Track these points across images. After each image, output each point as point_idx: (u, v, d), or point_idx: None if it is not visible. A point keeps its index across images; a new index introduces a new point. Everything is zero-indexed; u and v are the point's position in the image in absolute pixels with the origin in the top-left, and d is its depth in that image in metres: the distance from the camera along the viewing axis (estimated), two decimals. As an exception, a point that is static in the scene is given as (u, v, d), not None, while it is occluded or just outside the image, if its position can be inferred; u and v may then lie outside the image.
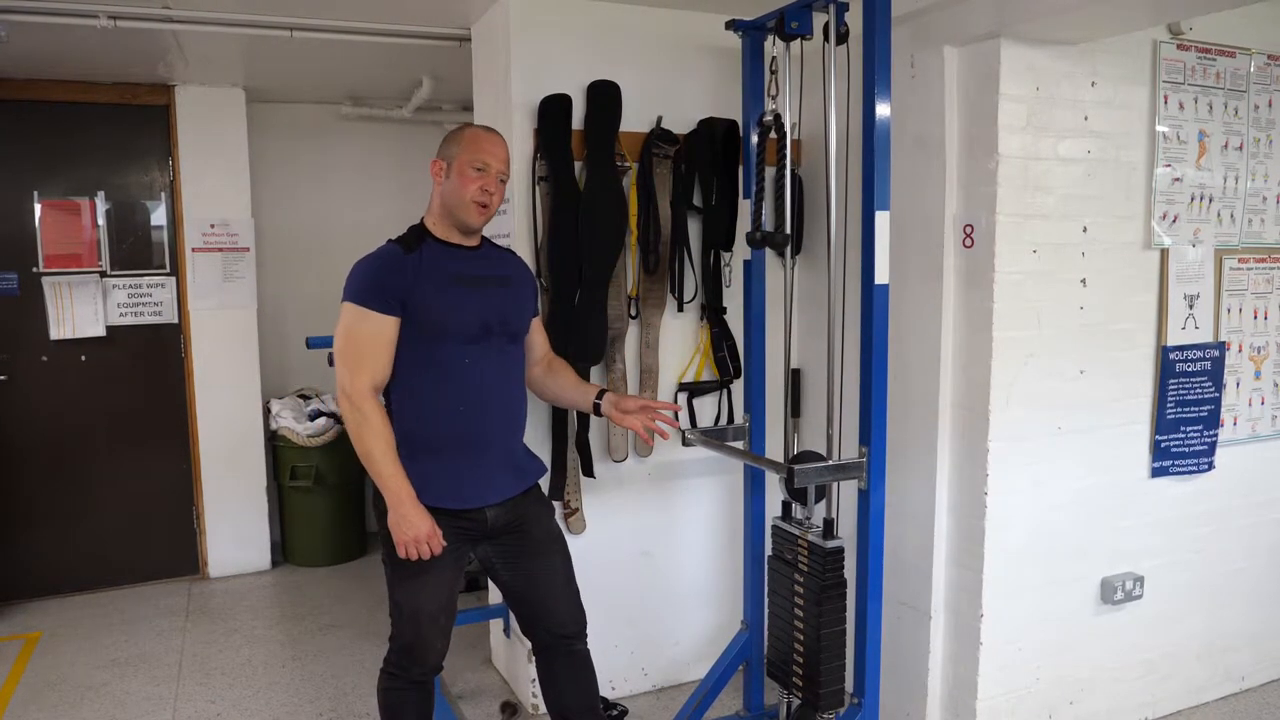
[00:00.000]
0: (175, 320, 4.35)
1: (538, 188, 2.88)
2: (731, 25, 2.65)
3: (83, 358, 4.23)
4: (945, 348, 2.66)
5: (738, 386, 3.15)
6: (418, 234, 2.27)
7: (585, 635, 2.44)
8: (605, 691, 3.01)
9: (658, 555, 3.20)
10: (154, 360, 4.35)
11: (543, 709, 3.05)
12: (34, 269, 4.13)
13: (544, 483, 2.58)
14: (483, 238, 2.36)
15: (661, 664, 3.26)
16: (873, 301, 2.25)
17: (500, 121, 2.98)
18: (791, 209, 2.49)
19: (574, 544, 2.58)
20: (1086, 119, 2.62)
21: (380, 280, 2.16)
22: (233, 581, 4.43)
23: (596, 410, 2.49)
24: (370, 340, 2.16)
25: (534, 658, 2.47)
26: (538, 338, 2.53)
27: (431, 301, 2.18)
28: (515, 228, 2.93)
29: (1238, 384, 3.01)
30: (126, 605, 4.13)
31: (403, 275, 2.17)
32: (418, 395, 2.21)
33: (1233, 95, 2.87)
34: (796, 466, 2.32)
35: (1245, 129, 2.91)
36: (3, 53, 3.48)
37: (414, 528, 2.13)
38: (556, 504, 2.92)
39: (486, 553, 2.34)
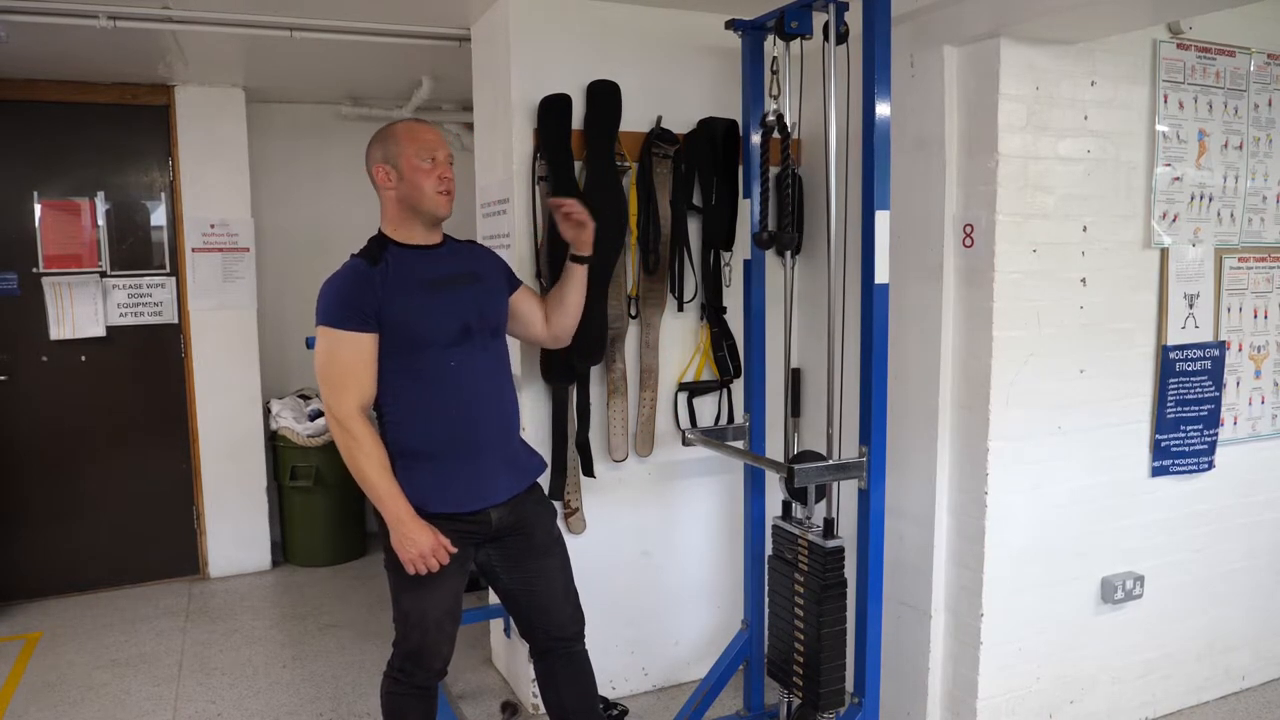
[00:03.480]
0: (175, 320, 4.35)
1: (538, 187, 2.88)
2: (731, 25, 2.65)
3: (83, 358, 4.23)
4: (945, 347, 2.66)
5: (738, 386, 3.15)
6: (379, 244, 2.23)
7: (583, 636, 2.44)
8: (605, 691, 3.01)
9: (658, 555, 3.20)
10: (154, 360, 4.35)
11: (543, 709, 3.06)
12: (34, 269, 4.13)
13: (545, 482, 2.58)
14: (444, 234, 2.34)
15: (661, 664, 3.26)
16: (873, 301, 2.25)
17: (500, 121, 2.99)
18: (792, 209, 2.49)
19: (574, 544, 2.58)
20: (1086, 118, 2.62)
21: (351, 298, 2.14)
22: (233, 581, 4.43)
23: (578, 259, 2.45)
24: (351, 361, 2.13)
25: (533, 660, 2.47)
26: (532, 303, 2.49)
27: (406, 310, 2.16)
28: (515, 228, 2.93)
29: (1238, 383, 3.01)
30: (126, 605, 4.14)
31: (372, 289, 2.14)
32: (409, 404, 2.19)
33: (1232, 94, 2.87)
34: (796, 466, 2.32)
35: (1245, 128, 2.91)
36: (3, 53, 3.49)
37: (416, 544, 2.12)
38: (556, 504, 2.92)
39: (487, 556, 2.33)
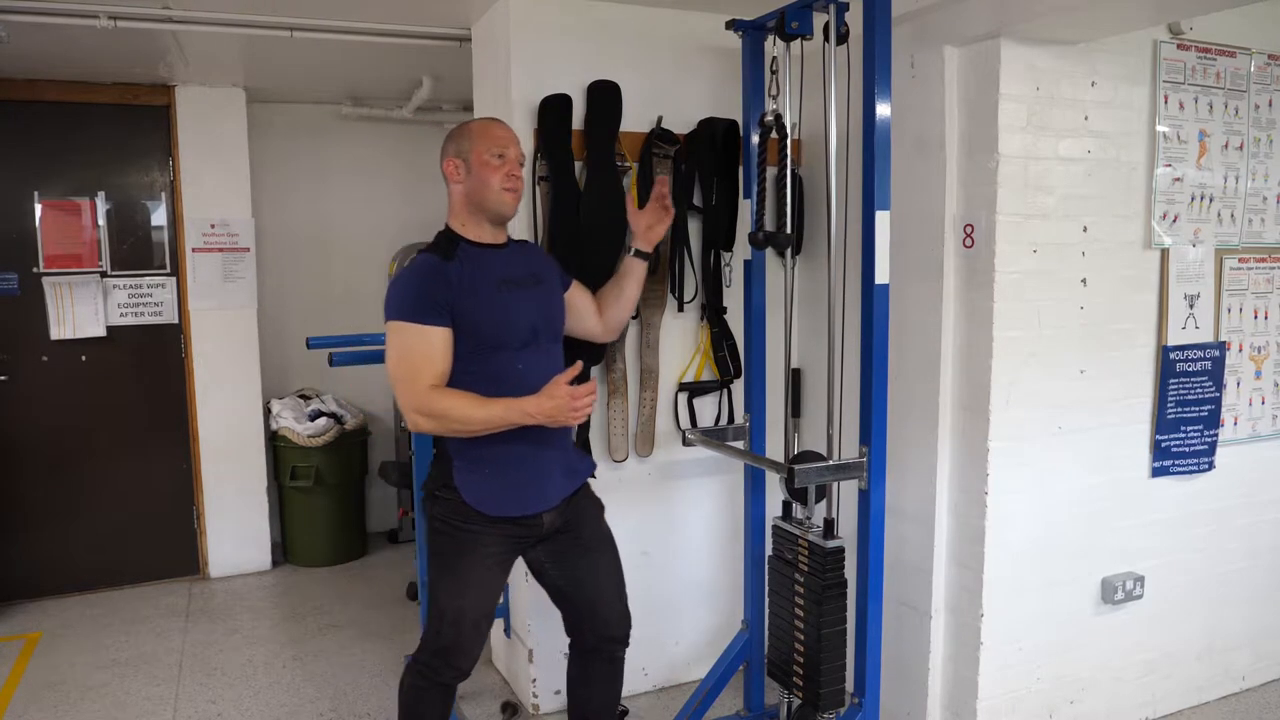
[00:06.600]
0: (175, 320, 4.35)
1: (538, 188, 2.88)
2: (731, 25, 2.65)
3: (83, 358, 4.23)
4: (945, 347, 2.66)
5: (738, 386, 3.15)
6: (450, 240, 2.20)
7: (628, 641, 2.42)
8: (605, 691, 3.01)
9: (658, 555, 3.20)
10: (154, 360, 4.35)
11: (543, 709, 3.07)
12: (34, 269, 4.13)
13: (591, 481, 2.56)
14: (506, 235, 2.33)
15: (661, 664, 3.26)
16: (873, 301, 2.25)
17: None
18: (792, 209, 2.49)
19: (574, 544, 2.58)
20: (1086, 119, 2.62)
21: (425, 292, 2.10)
22: (233, 581, 4.43)
23: (642, 255, 2.51)
24: (424, 353, 2.09)
25: (570, 655, 2.45)
26: (585, 298, 2.49)
27: (481, 310, 2.12)
28: (515, 228, 2.93)
29: (1238, 384, 3.01)
30: (126, 605, 4.13)
31: (447, 285, 2.10)
32: None
33: (1233, 95, 2.87)
34: (797, 466, 2.32)
35: (1245, 129, 2.91)
36: (3, 53, 3.48)
37: (552, 409, 2.05)
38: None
39: (536, 554, 2.32)
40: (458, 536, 2.19)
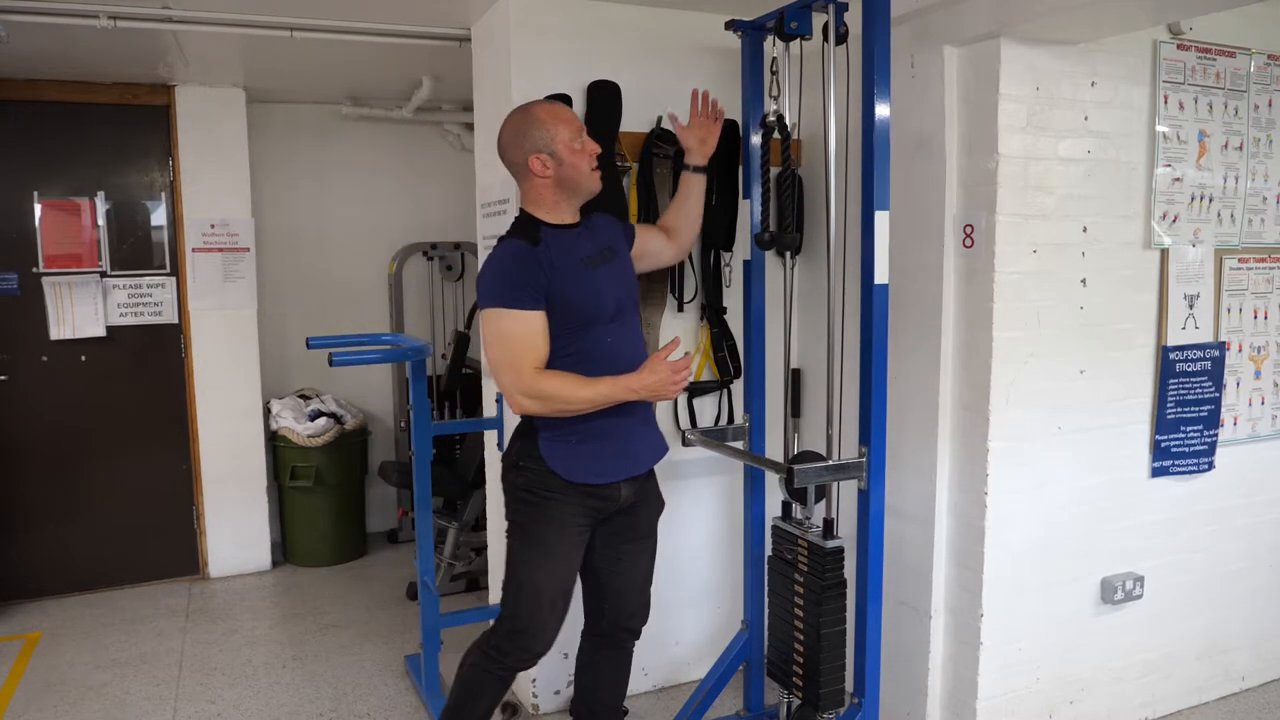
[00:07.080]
0: (175, 320, 4.35)
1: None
2: (731, 25, 2.65)
3: (83, 358, 4.23)
4: (945, 348, 2.66)
5: (738, 386, 3.15)
6: (532, 224, 2.24)
7: (640, 635, 2.48)
8: (605, 691, 3.01)
9: (658, 555, 3.19)
10: (154, 360, 4.35)
11: (543, 709, 3.07)
12: (34, 269, 4.13)
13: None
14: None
15: (661, 664, 3.26)
16: (873, 301, 2.25)
17: (500, 122, 2.98)
18: (793, 209, 2.49)
19: (574, 544, 2.58)
20: (1086, 119, 2.63)
21: (520, 277, 2.14)
22: (233, 581, 4.43)
23: (700, 170, 2.63)
24: (525, 337, 2.14)
25: (581, 643, 2.49)
26: (652, 235, 2.58)
27: (572, 290, 2.18)
28: (515, 228, 2.93)
29: (1238, 384, 3.01)
30: (126, 605, 4.13)
31: (539, 268, 2.15)
32: None
33: (1233, 95, 2.87)
34: (796, 466, 2.32)
35: (1245, 129, 2.91)
36: (3, 53, 3.48)
37: (655, 384, 2.15)
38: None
39: (594, 531, 2.35)
40: (542, 505, 2.23)
